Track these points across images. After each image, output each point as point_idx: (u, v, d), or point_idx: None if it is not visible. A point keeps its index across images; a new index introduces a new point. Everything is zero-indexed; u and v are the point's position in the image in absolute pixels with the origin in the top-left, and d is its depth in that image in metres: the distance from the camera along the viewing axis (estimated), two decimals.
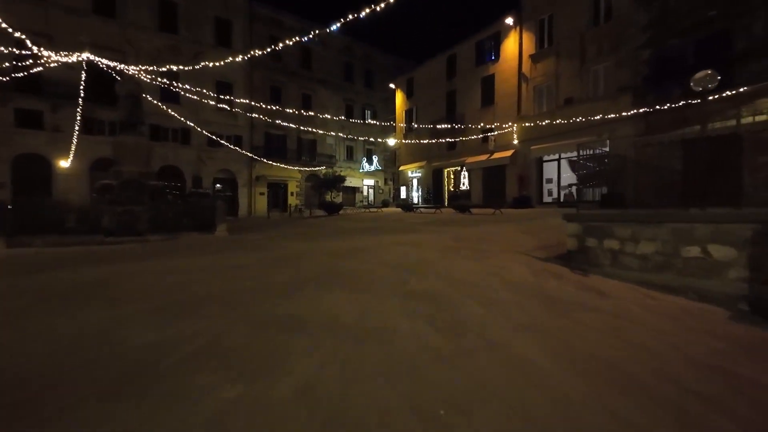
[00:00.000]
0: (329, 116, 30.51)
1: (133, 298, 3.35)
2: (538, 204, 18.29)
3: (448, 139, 22.98)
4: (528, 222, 9.76)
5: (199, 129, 23.08)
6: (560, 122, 16.70)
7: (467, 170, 22.15)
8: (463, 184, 22.44)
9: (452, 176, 24.36)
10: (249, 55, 14.10)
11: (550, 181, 18.47)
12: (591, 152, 16.07)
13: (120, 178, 11.02)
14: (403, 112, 28.65)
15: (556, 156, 17.71)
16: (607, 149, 15.52)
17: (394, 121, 30.89)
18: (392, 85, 28.76)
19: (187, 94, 20.72)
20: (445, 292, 3.60)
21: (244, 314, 2.84)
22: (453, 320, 2.79)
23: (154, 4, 23.80)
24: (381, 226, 10.52)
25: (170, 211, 10.59)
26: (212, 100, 24.03)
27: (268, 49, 13.68)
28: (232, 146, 25.17)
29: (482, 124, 21.23)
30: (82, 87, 13.60)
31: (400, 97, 29.24)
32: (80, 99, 14.05)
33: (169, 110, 21.52)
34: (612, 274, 4.41)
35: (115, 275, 4.41)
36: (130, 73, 11.97)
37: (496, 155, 20.18)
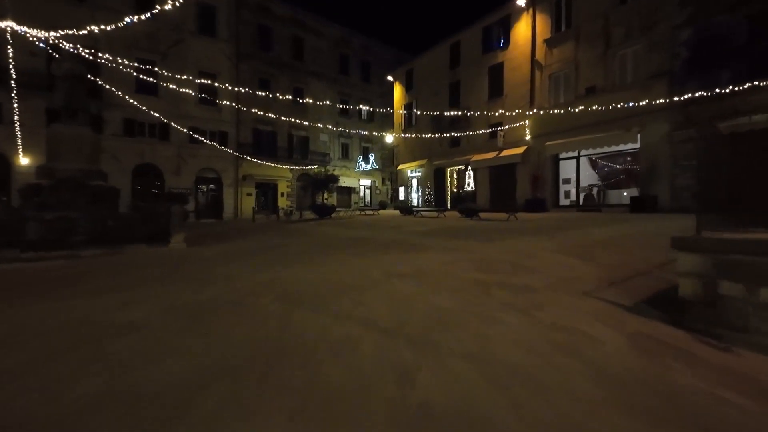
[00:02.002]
0: (323, 109, 28.53)
1: None
2: (553, 207, 16.28)
3: (452, 134, 20.92)
4: (562, 233, 7.72)
5: (174, 124, 21.02)
6: (580, 115, 14.70)
7: (473, 169, 20.13)
8: (468, 184, 20.43)
9: (455, 176, 22.32)
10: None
11: (567, 181, 16.46)
12: (617, 148, 14.06)
13: (52, 177, 8.94)
14: (402, 106, 26.61)
15: (575, 153, 15.69)
16: (638, 145, 13.49)
17: (393, 117, 28.84)
18: (390, 78, 26.74)
19: (165, 83, 18.57)
20: (490, 411, 1.56)
21: None
22: None
23: None
24: (375, 238, 8.46)
25: (113, 219, 8.49)
26: (193, 90, 22.01)
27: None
28: (213, 143, 23.15)
29: (490, 116, 19.20)
30: (11, 66, 11.42)
31: (398, 91, 27.20)
32: (12, 82, 11.81)
33: (140, 104, 19.45)
34: None
35: None
36: (68, 48, 9.85)
37: (506, 152, 18.15)
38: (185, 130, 21.79)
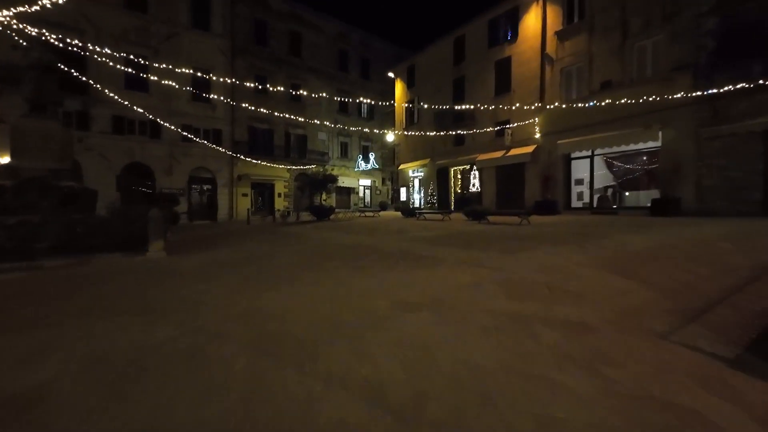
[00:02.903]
0: (321, 107, 27.58)
1: None
2: (565, 209, 15.35)
3: (456, 132, 19.98)
4: (590, 242, 6.78)
5: (165, 123, 20.05)
6: (595, 111, 13.79)
7: (478, 169, 19.20)
8: (473, 185, 19.50)
9: (460, 176, 21.38)
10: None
11: (580, 182, 15.52)
12: (636, 147, 13.15)
13: (17, 177, 8.01)
14: (404, 104, 25.66)
15: (588, 152, 14.76)
16: (659, 143, 12.57)
17: (393, 115, 27.91)
18: (391, 74, 25.78)
19: (157, 77, 17.58)
20: None
21: None
22: None
23: None
24: (377, 246, 7.52)
25: (84, 225, 7.54)
26: (186, 86, 21.06)
27: None
28: (206, 141, 22.19)
29: (497, 113, 18.30)
30: None
31: (399, 88, 26.26)
32: None
33: (130, 100, 18.50)
34: None
35: None
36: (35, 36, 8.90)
37: (514, 152, 17.22)
38: (177, 129, 20.85)
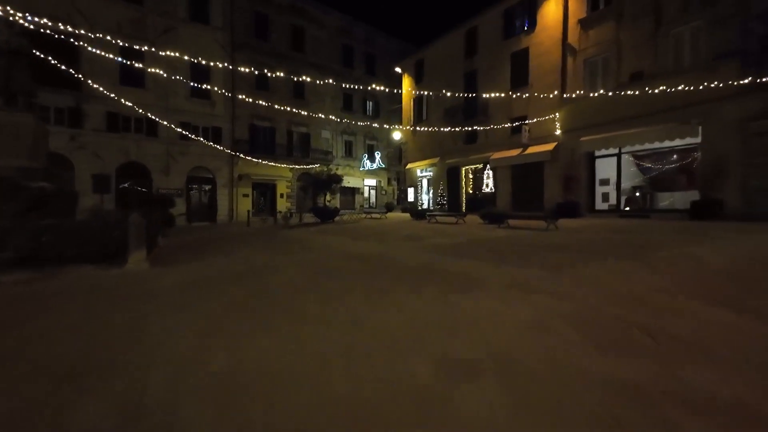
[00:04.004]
0: (325, 104, 26.51)
1: None
2: (588, 212, 14.19)
3: (468, 129, 18.86)
4: (650, 255, 5.65)
5: (161, 120, 19.06)
6: (623, 105, 12.65)
7: (492, 168, 18.06)
8: (486, 185, 18.38)
9: (471, 176, 20.24)
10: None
11: (605, 182, 14.36)
12: (670, 144, 11.99)
13: None
14: (411, 100, 24.54)
15: (615, 150, 13.60)
16: (698, 139, 11.41)
17: (400, 112, 26.82)
18: (398, 69, 24.67)
19: (154, 70, 16.57)
20: None
21: None
22: None
23: None
24: (393, 257, 6.41)
25: (52, 232, 6.50)
26: (184, 81, 20.04)
27: None
28: (202, 139, 21.18)
29: (512, 108, 17.18)
30: None
31: (407, 83, 25.14)
32: None
33: (126, 96, 17.54)
34: None
35: None
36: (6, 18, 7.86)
37: (532, 149, 16.07)
38: (174, 127, 19.86)
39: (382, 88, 23.72)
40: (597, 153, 14.19)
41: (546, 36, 15.76)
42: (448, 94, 19.42)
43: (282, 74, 25.10)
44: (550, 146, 15.30)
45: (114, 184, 19.75)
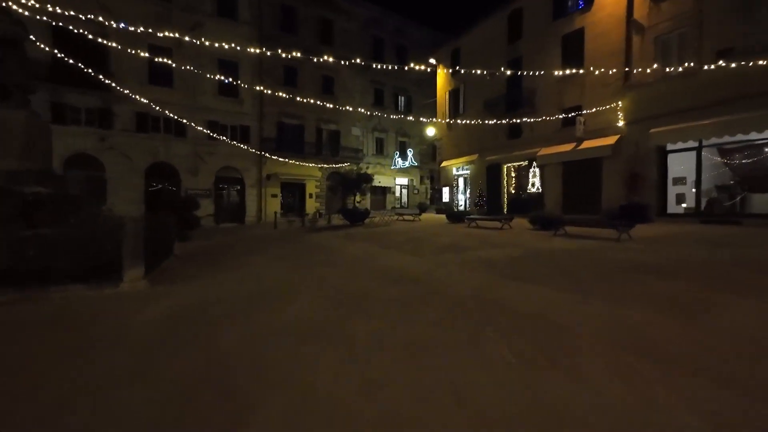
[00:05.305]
0: (354, 99, 25.30)
1: None
2: (659, 216, 12.11)
3: (511, 122, 17.03)
4: None
5: (188, 122, 18.53)
6: (706, 89, 10.58)
7: (539, 166, 16.18)
8: (533, 184, 16.51)
9: (514, 174, 18.38)
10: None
11: (681, 181, 12.22)
12: None
13: None
14: (447, 93, 22.84)
15: (695, 143, 11.46)
16: None
17: (434, 107, 25.20)
18: (432, 60, 23.05)
19: (183, 67, 15.97)
20: None
21: None
22: None
23: None
24: (434, 280, 4.98)
25: (38, 245, 5.60)
26: (212, 80, 19.46)
27: None
28: (229, 140, 20.56)
29: (564, 98, 15.24)
30: None
31: (442, 76, 23.47)
32: None
33: (154, 96, 17.09)
34: None
35: None
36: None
37: (587, 144, 14.09)
38: (201, 129, 19.30)
39: (417, 68, 22.20)
40: (670, 147, 12.07)
41: (605, 14, 13.69)
42: (489, 84, 17.69)
43: (311, 69, 24.25)
44: (610, 140, 13.28)
45: (143, 185, 19.55)
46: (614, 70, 12.64)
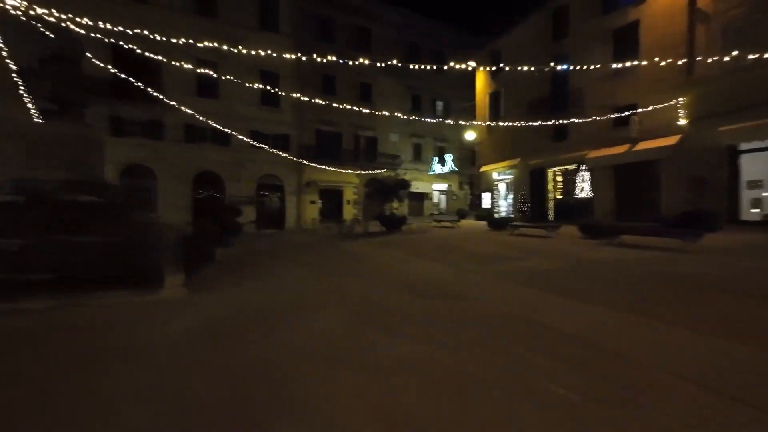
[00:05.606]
0: (392, 105, 25.18)
1: None
2: (730, 224, 10.83)
3: (557, 123, 16.10)
4: None
5: (231, 131, 19.19)
6: None
7: (588, 169, 15.15)
8: (581, 189, 15.48)
9: (560, 178, 17.37)
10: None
11: (756, 184, 10.90)
12: None
13: (24, 190, 6.64)
14: (486, 96, 22.18)
15: None
16: None
17: (473, 110, 24.55)
18: (472, 63, 22.47)
19: (225, 78, 16.60)
20: None
21: None
22: None
23: None
24: (461, 288, 4.58)
25: (81, 252, 5.83)
26: (254, 91, 20.14)
27: None
28: (268, 148, 21.05)
29: (616, 96, 14.19)
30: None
31: (481, 78, 22.84)
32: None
33: (201, 107, 17.88)
34: None
35: None
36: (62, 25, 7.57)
37: (644, 145, 12.98)
38: (246, 139, 19.96)
39: (455, 72, 21.73)
40: (743, 146, 10.80)
41: (663, 4, 12.60)
42: (532, 85, 16.90)
43: (349, 77, 24.51)
44: (670, 140, 12.13)
45: (191, 192, 20.53)
46: (680, 62, 11.48)
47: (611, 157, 13.91)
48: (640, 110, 13.03)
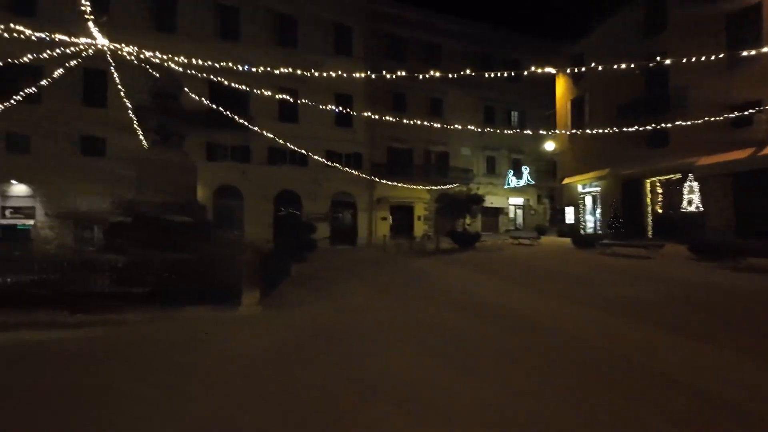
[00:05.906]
0: (464, 119, 24.59)
1: None
2: None
3: (657, 127, 14.16)
4: None
5: (309, 153, 20.22)
6: None
7: (697, 179, 13.04)
8: (689, 202, 13.35)
9: (661, 190, 15.19)
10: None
11: None
12: None
13: (132, 212, 7.51)
14: (567, 102, 20.56)
15: None
16: None
17: (552, 119, 22.92)
18: (551, 69, 21.10)
19: (304, 103, 17.71)
20: None
21: None
22: None
23: (273, 21, 22.54)
24: (543, 319, 3.96)
25: (170, 268, 6.34)
26: (330, 113, 21.15)
27: None
28: (340, 166, 21.69)
29: (733, 92, 12.09)
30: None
31: (561, 84, 21.30)
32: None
33: (282, 131, 19.20)
34: None
35: None
36: (164, 65, 8.60)
37: None
38: (319, 159, 20.96)
39: (531, 80, 20.55)
40: None
41: None
42: (622, 87, 15.24)
43: (420, 93, 24.61)
44: None
45: (272, 210, 22.04)
46: None
47: (730, 163, 11.74)
48: (766, 107, 10.89)
